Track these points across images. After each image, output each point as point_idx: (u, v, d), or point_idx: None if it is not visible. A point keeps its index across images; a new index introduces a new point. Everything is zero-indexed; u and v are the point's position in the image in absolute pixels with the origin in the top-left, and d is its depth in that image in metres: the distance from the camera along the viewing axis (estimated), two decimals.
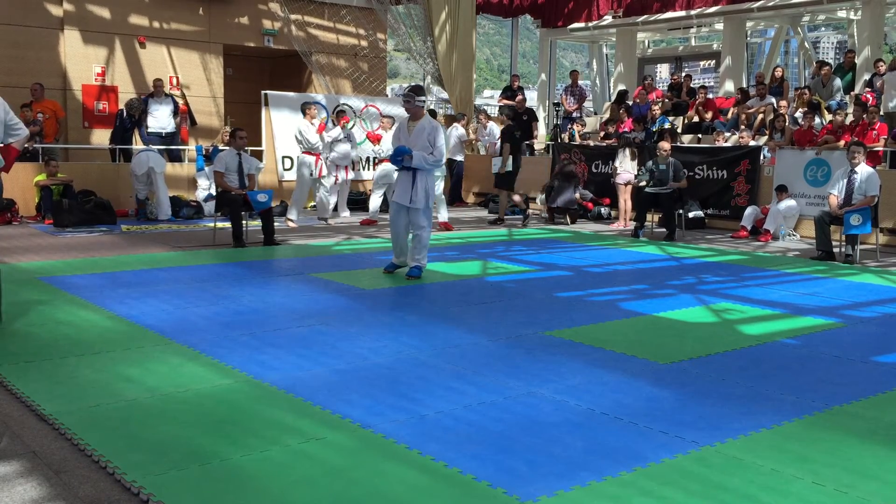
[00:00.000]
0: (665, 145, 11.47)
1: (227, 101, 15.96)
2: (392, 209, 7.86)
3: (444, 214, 11.83)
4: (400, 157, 7.47)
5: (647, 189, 11.41)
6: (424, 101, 7.64)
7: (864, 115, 11.54)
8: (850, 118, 11.74)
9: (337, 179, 12.60)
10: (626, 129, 14.09)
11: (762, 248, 10.52)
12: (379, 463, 3.37)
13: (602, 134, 15.18)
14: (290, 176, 14.25)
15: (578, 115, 17.83)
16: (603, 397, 4.24)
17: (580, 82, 18.14)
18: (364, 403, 4.07)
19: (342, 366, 4.74)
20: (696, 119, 15.03)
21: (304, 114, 12.05)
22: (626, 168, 12.58)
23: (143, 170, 11.76)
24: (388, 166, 11.32)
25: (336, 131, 12.27)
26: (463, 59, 16.63)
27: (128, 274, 7.58)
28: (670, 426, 3.82)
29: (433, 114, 14.11)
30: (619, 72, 19.08)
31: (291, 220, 11.86)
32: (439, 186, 11.98)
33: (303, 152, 11.88)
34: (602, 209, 13.75)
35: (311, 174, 11.85)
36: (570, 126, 17.01)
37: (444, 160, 12.95)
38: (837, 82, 13.99)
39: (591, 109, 21.32)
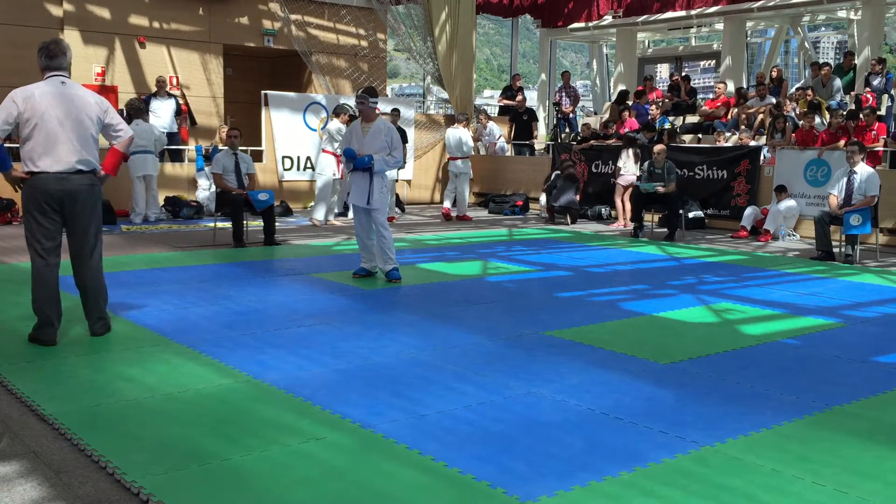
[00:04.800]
0: (659, 148, 11.47)
1: (227, 101, 15.95)
2: (354, 213, 7.78)
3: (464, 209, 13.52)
4: (353, 158, 7.39)
5: (640, 186, 11.36)
6: (377, 103, 7.60)
7: (862, 116, 11.54)
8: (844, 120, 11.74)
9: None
10: (629, 130, 14.08)
11: (762, 248, 10.52)
12: (379, 463, 3.37)
13: (589, 132, 15.10)
14: (290, 176, 14.26)
15: (573, 115, 17.88)
16: (603, 397, 4.24)
17: (579, 81, 18.17)
18: (364, 403, 4.07)
19: (342, 366, 4.74)
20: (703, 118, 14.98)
21: (338, 116, 12.10)
22: (628, 169, 12.57)
23: (138, 173, 11.79)
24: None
25: (335, 125, 12.18)
26: (463, 59, 16.63)
27: (128, 274, 7.58)
28: (670, 426, 3.82)
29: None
30: (619, 72, 19.08)
31: (318, 220, 11.91)
32: (466, 186, 13.51)
33: (323, 151, 12.02)
34: (602, 209, 13.76)
35: (334, 173, 11.89)
36: (566, 129, 17.06)
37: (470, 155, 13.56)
38: (837, 82, 13.99)
39: (592, 109, 21.34)
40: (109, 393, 4.18)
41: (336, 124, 11.99)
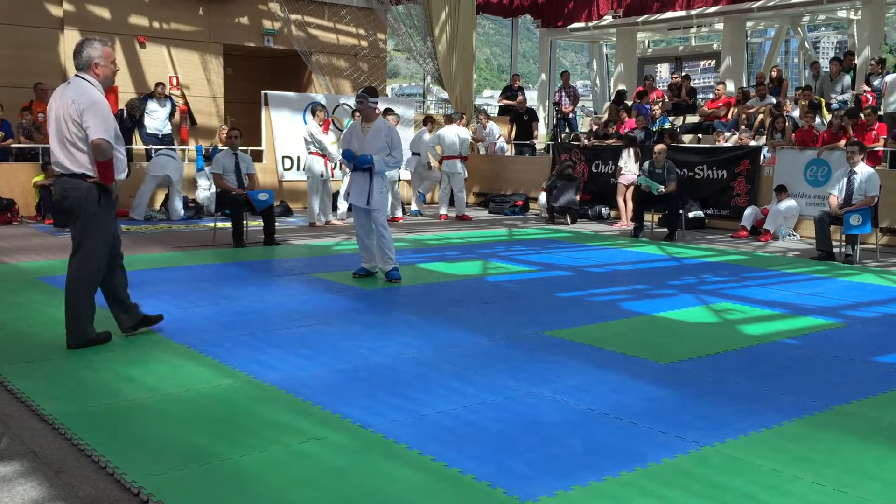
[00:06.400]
0: (659, 148, 11.47)
1: (227, 101, 15.96)
2: (354, 213, 7.77)
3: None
4: (352, 159, 7.41)
5: (642, 181, 11.36)
6: (377, 103, 7.59)
7: (862, 116, 11.54)
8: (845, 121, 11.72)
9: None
10: (629, 129, 14.08)
11: (762, 248, 10.52)
12: (379, 463, 3.37)
13: (593, 132, 15.10)
14: (290, 176, 14.26)
15: (573, 115, 17.88)
16: (603, 397, 4.24)
17: (579, 81, 18.19)
18: (364, 403, 4.07)
19: (342, 366, 4.74)
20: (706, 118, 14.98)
21: (314, 115, 11.99)
22: (630, 169, 12.58)
23: (158, 172, 11.89)
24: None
25: (313, 125, 12.09)
26: (463, 59, 16.64)
27: (128, 274, 7.55)
28: (670, 426, 3.82)
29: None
30: (619, 72, 19.08)
31: (313, 220, 11.87)
32: (463, 186, 13.49)
33: (310, 153, 11.81)
34: (602, 209, 13.76)
35: (322, 175, 11.80)
36: (566, 129, 17.04)
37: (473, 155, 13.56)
38: (847, 79, 13.94)
39: (592, 109, 21.33)
40: (109, 393, 4.18)
41: (314, 124, 11.89)
